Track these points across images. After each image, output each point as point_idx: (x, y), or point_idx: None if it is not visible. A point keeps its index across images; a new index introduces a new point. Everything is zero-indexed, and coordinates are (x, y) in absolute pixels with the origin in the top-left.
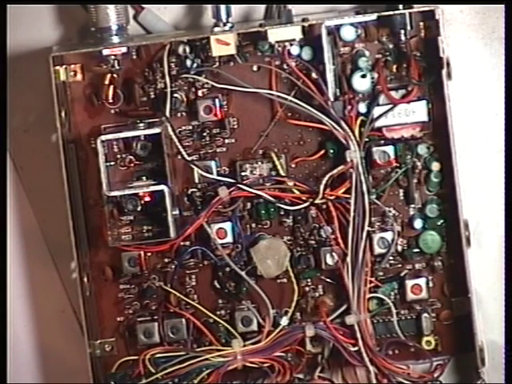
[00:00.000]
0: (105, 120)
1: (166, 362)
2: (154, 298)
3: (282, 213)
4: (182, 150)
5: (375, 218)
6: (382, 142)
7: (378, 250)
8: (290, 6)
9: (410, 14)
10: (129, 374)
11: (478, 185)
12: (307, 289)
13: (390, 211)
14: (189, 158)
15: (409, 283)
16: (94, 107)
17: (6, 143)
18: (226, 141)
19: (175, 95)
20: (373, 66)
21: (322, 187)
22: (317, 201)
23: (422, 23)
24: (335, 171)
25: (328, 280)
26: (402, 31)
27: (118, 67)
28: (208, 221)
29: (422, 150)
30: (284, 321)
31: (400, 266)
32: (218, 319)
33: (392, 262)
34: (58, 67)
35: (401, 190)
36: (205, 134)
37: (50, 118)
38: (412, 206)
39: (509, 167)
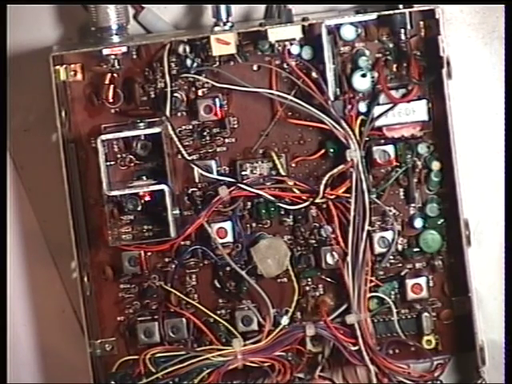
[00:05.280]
0: (105, 120)
1: (166, 362)
2: (154, 298)
3: (283, 212)
4: (182, 149)
5: (375, 217)
6: (382, 141)
7: (378, 250)
8: (290, 6)
9: (410, 13)
10: (129, 373)
11: (478, 184)
12: (307, 288)
13: (390, 210)
14: (189, 158)
15: (409, 282)
16: (94, 107)
17: (6, 143)
18: (227, 140)
19: (175, 95)
20: (373, 65)
21: (322, 186)
22: (317, 200)
23: (422, 22)
24: (335, 170)
25: (328, 279)
26: (402, 30)
27: (118, 67)
28: (208, 220)
29: (422, 149)
30: (284, 320)
31: (400, 265)
32: (219, 319)
33: (392, 261)
34: (58, 67)
35: (401, 190)
36: (205, 133)
37: (50, 118)
38: (412, 205)
39: (509, 167)
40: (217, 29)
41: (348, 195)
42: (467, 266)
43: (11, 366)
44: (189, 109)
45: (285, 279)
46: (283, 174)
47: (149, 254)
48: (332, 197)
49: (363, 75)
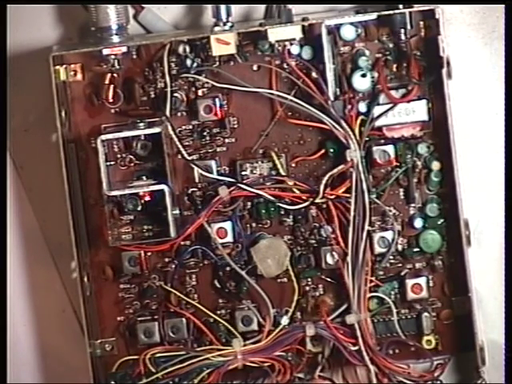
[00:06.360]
0: (105, 120)
1: (166, 362)
2: (154, 298)
3: (283, 212)
4: (182, 149)
5: (375, 217)
6: (382, 141)
7: (378, 250)
8: (290, 6)
9: (410, 13)
10: (129, 373)
11: (478, 184)
12: (307, 288)
13: (390, 210)
14: (189, 158)
15: (409, 282)
16: (94, 107)
17: (6, 143)
18: (226, 140)
19: (175, 95)
20: (373, 65)
21: (322, 186)
22: (317, 200)
23: (422, 22)
24: (335, 170)
25: (328, 279)
26: (402, 30)
27: (118, 67)
28: (208, 220)
29: (422, 149)
30: (284, 320)
31: (400, 265)
32: (219, 319)
33: (392, 261)
34: (58, 67)
35: (401, 190)
36: (205, 133)
37: (50, 118)
38: (412, 205)
39: (509, 166)
40: (217, 29)
41: (348, 195)
42: (467, 266)
43: (11, 366)
44: (189, 109)
45: (285, 279)
46: (283, 173)
47: (149, 254)
48: (332, 197)
49: (363, 75)
